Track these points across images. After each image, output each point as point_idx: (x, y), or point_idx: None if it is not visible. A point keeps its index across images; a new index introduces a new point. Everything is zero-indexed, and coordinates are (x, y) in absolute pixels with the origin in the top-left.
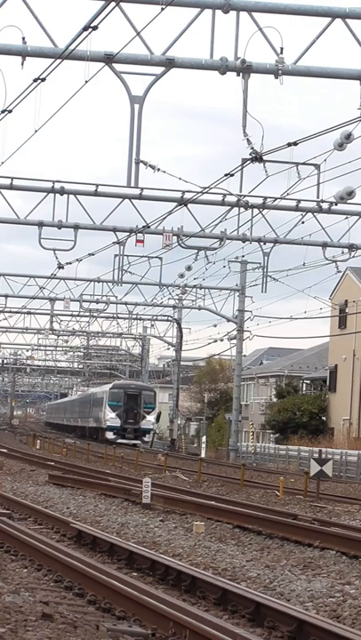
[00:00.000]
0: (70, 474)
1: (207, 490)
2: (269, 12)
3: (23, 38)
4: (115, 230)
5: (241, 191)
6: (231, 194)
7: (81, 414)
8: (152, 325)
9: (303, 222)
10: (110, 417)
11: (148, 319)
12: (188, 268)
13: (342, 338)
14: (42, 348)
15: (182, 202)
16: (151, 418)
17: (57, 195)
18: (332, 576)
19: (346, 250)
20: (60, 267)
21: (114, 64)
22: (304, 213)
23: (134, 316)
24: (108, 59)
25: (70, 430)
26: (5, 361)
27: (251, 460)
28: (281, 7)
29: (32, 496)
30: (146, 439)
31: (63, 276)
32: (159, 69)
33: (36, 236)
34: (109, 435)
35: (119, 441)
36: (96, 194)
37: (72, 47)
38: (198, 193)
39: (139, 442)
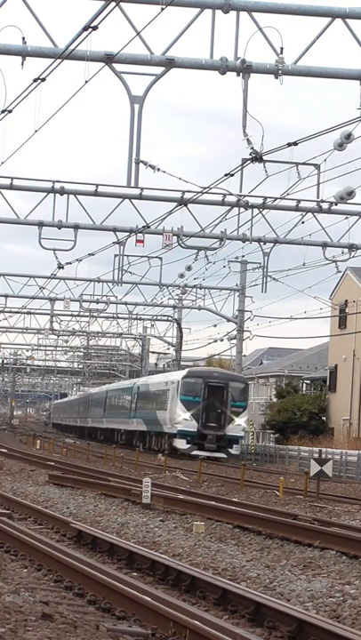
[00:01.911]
0: (70, 474)
1: (207, 490)
2: (269, 12)
3: (23, 38)
4: (115, 230)
5: (241, 191)
6: (231, 194)
7: (112, 413)
8: (152, 325)
9: (303, 222)
10: (183, 418)
11: (148, 319)
12: (188, 268)
13: (342, 338)
14: (42, 348)
15: (182, 202)
16: (241, 421)
17: (57, 195)
18: (332, 576)
19: (346, 250)
20: (60, 267)
21: (114, 64)
22: (304, 213)
23: (134, 316)
24: (108, 59)
25: (89, 433)
26: (5, 361)
27: (251, 461)
28: (281, 7)
29: (32, 496)
30: (233, 451)
31: (63, 276)
32: (159, 69)
33: (36, 236)
34: (180, 443)
35: (195, 453)
36: (96, 194)
37: (72, 47)
38: (198, 193)
39: (223, 455)
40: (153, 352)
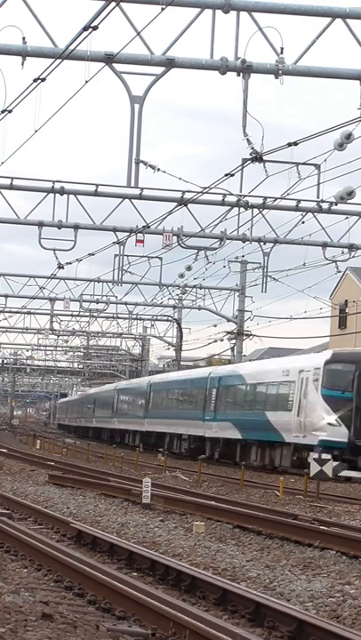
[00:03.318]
0: (70, 474)
1: (207, 490)
2: (269, 12)
3: (23, 38)
4: (115, 230)
5: (241, 191)
6: (231, 194)
7: (158, 413)
8: (152, 325)
9: (303, 222)
10: (327, 422)
11: (148, 319)
12: (188, 268)
13: (342, 338)
14: (42, 348)
15: (182, 202)
16: None
17: (57, 195)
18: (332, 576)
19: (346, 250)
20: (60, 267)
21: (114, 64)
22: (304, 213)
23: (134, 316)
24: (109, 59)
25: (116, 435)
26: (5, 361)
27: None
28: (281, 7)
29: (32, 496)
30: None
31: (63, 276)
32: (159, 69)
33: (36, 236)
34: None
35: (345, 474)
36: (96, 194)
37: (72, 47)
38: (198, 193)
39: None
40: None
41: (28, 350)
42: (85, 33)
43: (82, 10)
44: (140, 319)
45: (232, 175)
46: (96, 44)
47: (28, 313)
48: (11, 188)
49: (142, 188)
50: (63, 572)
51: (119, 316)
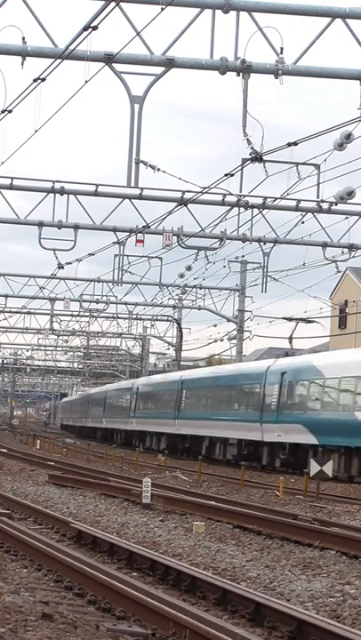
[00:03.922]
0: (70, 474)
1: (207, 490)
2: (269, 12)
3: (23, 38)
4: (115, 230)
5: (241, 191)
6: (231, 194)
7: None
8: (152, 325)
9: (303, 222)
10: None
11: (148, 319)
12: (188, 268)
13: (342, 338)
14: (42, 348)
15: (182, 202)
16: None
17: (57, 195)
18: (332, 576)
19: (346, 250)
20: (60, 267)
21: (114, 64)
22: (304, 213)
23: (134, 316)
24: (108, 59)
25: (134, 438)
26: (5, 361)
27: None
28: (281, 7)
29: (32, 496)
30: None
31: (63, 276)
32: (159, 69)
33: (36, 236)
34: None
35: None
36: (96, 194)
37: (72, 47)
38: (198, 193)
39: None
40: (154, 353)
41: (28, 350)
42: (85, 33)
43: (82, 10)
44: (140, 319)
45: (232, 175)
46: (96, 43)
47: (28, 313)
48: (11, 188)
49: (142, 188)
50: (63, 572)
51: (119, 315)
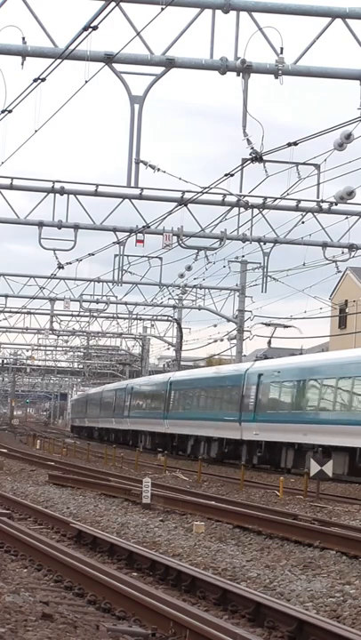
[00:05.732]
0: (70, 474)
1: (207, 490)
2: (269, 12)
3: (23, 38)
4: (115, 230)
5: (241, 191)
6: (231, 194)
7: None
8: (152, 325)
9: (303, 222)
10: None
11: (148, 319)
12: (188, 268)
13: (342, 338)
14: (42, 348)
15: (182, 202)
16: None
17: (57, 195)
18: (333, 576)
19: (346, 250)
20: (60, 267)
21: (114, 64)
22: (304, 213)
23: (134, 316)
24: (108, 59)
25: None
26: (5, 361)
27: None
28: (281, 7)
29: (32, 496)
30: None
31: (63, 276)
32: (159, 69)
33: (36, 236)
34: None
35: None
36: (96, 194)
37: (72, 47)
38: (198, 193)
39: None
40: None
41: (28, 350)
42: (85, 33)
43: (82, 10)
44: (140, 319)
45: (232, 175)
46: (96, 44)
47: (28, 313)
48: (11, 187)
49: (142, 188)
50: (63, 571)
51: (119, 316)
